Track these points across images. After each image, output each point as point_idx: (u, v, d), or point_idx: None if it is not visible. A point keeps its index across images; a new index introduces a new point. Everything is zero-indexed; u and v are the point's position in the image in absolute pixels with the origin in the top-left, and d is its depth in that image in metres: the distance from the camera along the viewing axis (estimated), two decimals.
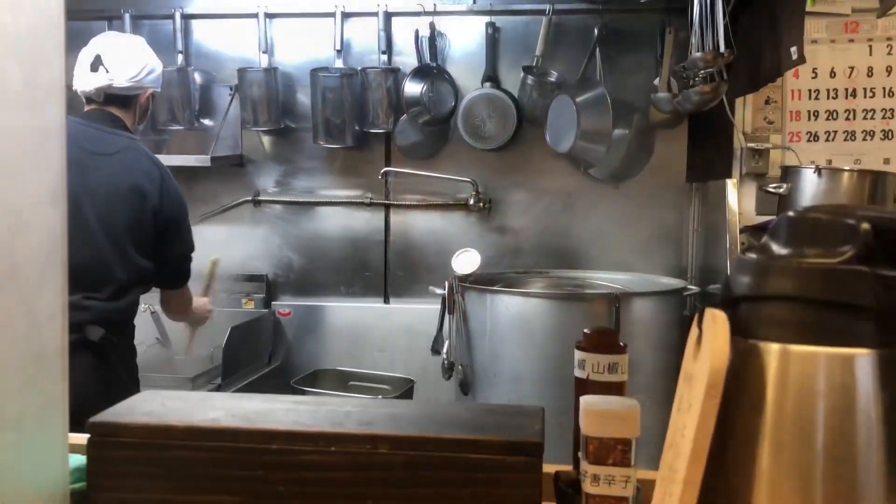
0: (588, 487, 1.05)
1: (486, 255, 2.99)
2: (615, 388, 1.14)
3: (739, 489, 0.75)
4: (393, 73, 3.29)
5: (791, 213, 0.80)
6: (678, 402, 0.82)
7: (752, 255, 0.80)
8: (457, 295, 2.74)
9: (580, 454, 1.07)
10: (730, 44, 2.62)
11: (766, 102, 3.17)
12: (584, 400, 1.05)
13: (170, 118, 3.35)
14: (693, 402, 0.76)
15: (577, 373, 1.14)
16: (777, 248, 0.79)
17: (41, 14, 0.94)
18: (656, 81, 3.06)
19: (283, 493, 1.06)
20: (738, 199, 2.85)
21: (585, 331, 1.15)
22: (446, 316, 2.78)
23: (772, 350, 0.74)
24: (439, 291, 2.82)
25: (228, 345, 2.90)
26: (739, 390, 0.75)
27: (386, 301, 3.45)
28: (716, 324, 0.74)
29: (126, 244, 2.41)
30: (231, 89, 3.39)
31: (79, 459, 1.15)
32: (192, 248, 2.62)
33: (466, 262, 2.85)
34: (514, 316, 2.61)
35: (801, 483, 0.71)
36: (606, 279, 3.06)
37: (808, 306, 0.72)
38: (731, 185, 2.83)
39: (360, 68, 3.30)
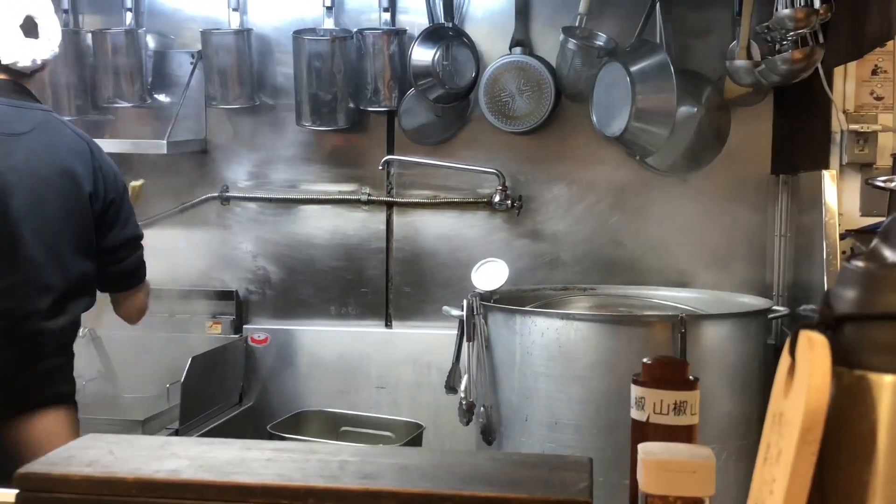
0: None
1: (514, 268, 3.00)
2: (683, 434, 1.15)
3: None
4: (397, 36, 3.31)
5: None
6: (765, 452, 0.83)
7: (859, 264, 0.81)
8: (478, 317, 2.75)
9: None
10: None
11: (874, 73, 3.17)
12: (644, 448, 1.06)
13: (115, 93, 3.38)
14: (784, 449, 0.77)
15: (635, 414, 1.15)
16: (891, 255, 0.80)
17: None
18: (733, 46, 3.05)
19: None
20: (839, 196, 2.86)
21: (645, 361, 1.16)
22: (464, 344, 2.79)
23: (885, 383, 0.75)
24: (455, 313, 2.83)
25: (189, 379, 2.92)
26: (843, 434, 0.75)
27: (388, 325, 3.46)
28: (814, 350, 0.75)
29: (61, 244, 2.43)
30: (193, 57, 3.42)
31: None
32: (140, 234, 2.65)
33: (490, 275, 2.87)
34: (550, 344, 2.62)
35: None
36: (669, 297, 3.07)
37: None
38: (828, 178, 2.83)
39: (355, 30, 3.32)
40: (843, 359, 0.76)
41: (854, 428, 0.75)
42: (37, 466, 1.13)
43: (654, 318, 2.75)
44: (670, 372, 1.16)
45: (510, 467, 1.15)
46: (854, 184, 3.15)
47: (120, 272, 2.61)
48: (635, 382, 1.17)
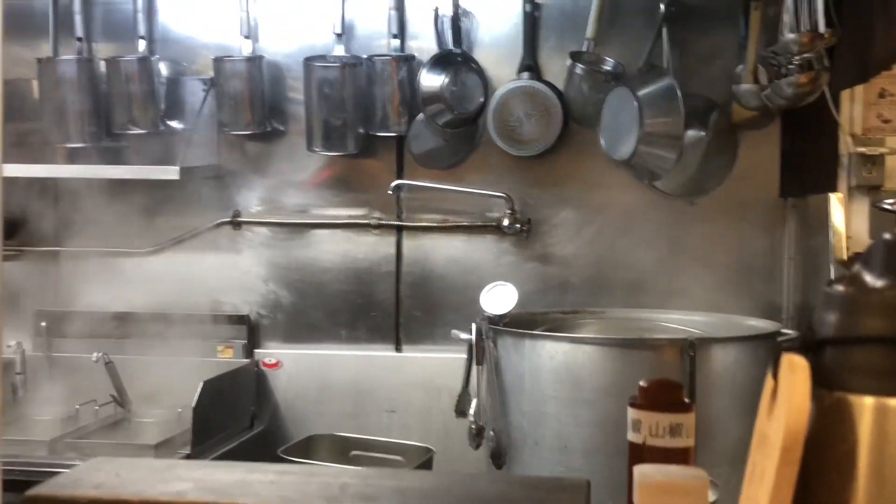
0: None
1: (523, 291, 2.99)
2: (678, 456, 1.17)
3: None
4: (407, 62, 3.34)
5: (888, 236, 0.82)
6: (750, 472, 0.85)
7: (840, 288, 0.83)
8: (487, 341, 2.76)
9: None
10: (832, 22, 2.63)
11: (881, 96, 3.17)
12: (639, 470, 1.08)
13: (129, 119, 3.42)
14: (767, 469, 0.78)
15: (632, 436, 1.17)
16: (872, 280, 0.82)
17: None
18: (739, 70, 3.08)
19: None
20: (847, 219, 2.85)
21: (641, 383, 1.18)
22: (474, 368, 2.79)
23: (864, 404, 0.77)
24: (465, 336, 2.83)
25: (200, 404, 2.94)
26: (823, 454, 0.77)
27: (398, 348, 3.48)
28: (794, 373, 0.77)
29: None
30: (205, 83, 3.46)
31: None
32: None
33: (499, 299, 2.86)
34: (559, 368, 2.62)
35: None
36: (678, 321, 3.06)
37: None
38: (836, 201, 2.84)
39: (365, 56, 3.36)
40: (824, 381, 0.78)
41: (835, 448, 0.77)
42: (45, 489, 1.16)
43: (663, 342, 2.74)
44: (666, 394, 1.18)
45: (508, 488, 1.17)
46: (862, 206, 3.14)
47: None
48: (632, 405, 1.19)
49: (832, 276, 2.78)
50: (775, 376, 0.80)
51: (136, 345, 3.41)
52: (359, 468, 1.08)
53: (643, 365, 2.61)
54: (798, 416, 0.75)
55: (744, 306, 3.22)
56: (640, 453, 1.17)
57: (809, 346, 0.80)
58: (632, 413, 1.18)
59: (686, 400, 1.19)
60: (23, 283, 3.53)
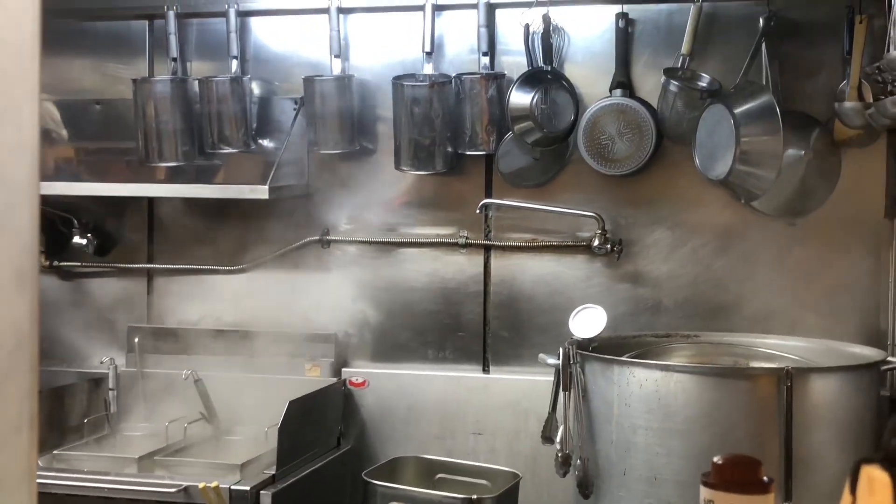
0: None
1: (613, 314, 2.94)
2: None
3: None
4: (496, 80, 3.28)
5: None
6: None
7: None
8: (575, 366, 2.71)
9: None
10: None
11: None
12: None
13: (221, 139, 3.43)
14: None
15: None
16: None
17: (6, 44, 0.95)
18: (842, 86, 2.98)
19: None
20: None
21: (715, 460, 1.09)
22: (560, 393, 2.74)
23: None
24: (551, 361, 2.79)
25: (286, 423, 2.93)
26: None
27: (485, 370, 3.42)
28: (874, 493, 0.67)
29: None
30: (296, 102, 3.45)
31: None
32: None
33: (588, 322, 2.82)
34: (650, 396, 2.55)
35: None
36: (776, 346, 2.99)
37: None
38: None
39: (454, 74, 3.31)
40: None
41: None
42: None
43: (759, 372, 2.68)
44: (742, 473, 1.08)
45: None
46: None
47: None
48: (704, 483, 1.09)
49: None
50: (853, 490, 0.70)
51: (226, 362, 3.43)
52: None
53: (738, 395, 2.57)
54: None
55: (846, 332, 3.11)
56: None
57: (892, 458, 0.70)
58: (704, 492, 1.09)
59: (765, 479, 1.09)
60: (116, 299, 3.59)
